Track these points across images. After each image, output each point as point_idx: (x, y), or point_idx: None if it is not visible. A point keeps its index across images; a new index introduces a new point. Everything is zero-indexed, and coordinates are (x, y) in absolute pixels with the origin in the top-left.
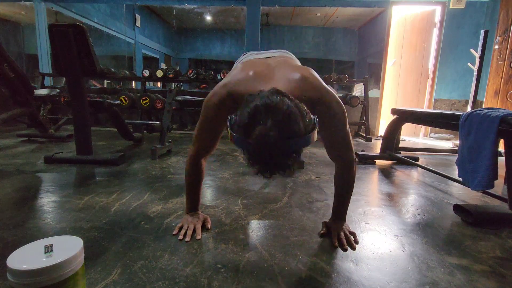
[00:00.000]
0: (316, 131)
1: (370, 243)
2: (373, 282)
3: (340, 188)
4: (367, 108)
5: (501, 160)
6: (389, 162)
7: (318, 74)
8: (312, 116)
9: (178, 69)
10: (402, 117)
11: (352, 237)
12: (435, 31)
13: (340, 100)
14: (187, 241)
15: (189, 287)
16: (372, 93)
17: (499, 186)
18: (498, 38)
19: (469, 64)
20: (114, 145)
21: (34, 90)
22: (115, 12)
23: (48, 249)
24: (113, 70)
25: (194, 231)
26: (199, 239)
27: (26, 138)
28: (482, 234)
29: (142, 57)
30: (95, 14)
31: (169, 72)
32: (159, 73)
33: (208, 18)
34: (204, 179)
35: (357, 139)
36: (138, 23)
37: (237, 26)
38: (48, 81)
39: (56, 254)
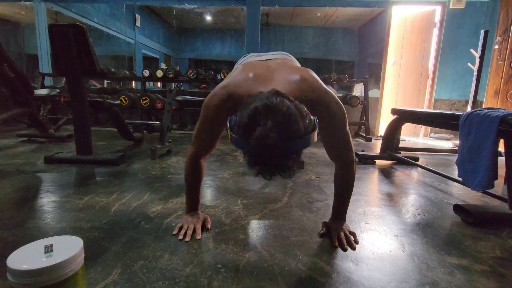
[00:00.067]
0: (316, 132)
1: (370, 243)
2: (373, 282)
3: (340, 188)
4: (367, 108)
5: (501, 160)
6: (389, 162)
7: (318, 74)
8: (312, 117)
9: (178, 69)
10: (402, 117)
11: (352, 237)
12: (435, 31)
13: (340, 101)
14: (187, 241)
15: (189, 287)
16: (372, 93)
17: (499, 186)
18: (498, 38)
19: (469, 64)
20: (114, 145)
21: (34, 90)
22: (115, 12)
23: (48, 249)
24: (113, 70)
25: (194, 231)
26: (199, 239)
27: (26, 138)
28: (482, 234)
29: (142, 57)
30: (95, 14)
31: (169, 72)
32: (159, 73)
33: (208, 18)
34: (204, 179)
35: (357, 139)
36: (138, 23)
37: (237, 26)
38: (48, 81)
39: (56, 254)
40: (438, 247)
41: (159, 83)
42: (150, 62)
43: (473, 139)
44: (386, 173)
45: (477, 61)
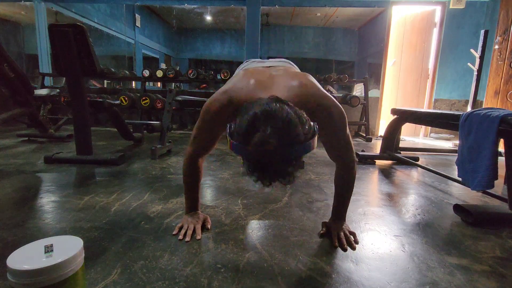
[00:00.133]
0: (316, 138)
1: (370, 243)
2: (373, 282)
3: (340, 188)
4: (367, 108)
5: (501, 160)
6: (389, 162)
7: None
8: (312, 123)
9: (178, 69)
10: (402, 117)
11: (352, 237)
12: (435, 31)
13: (339, 104)
14: (187, 241)
15: (189, 287)
16: (372, 93)
17: (499, 186)
18: (498, 38)
19: (469, 64)
20: (114, 145)
21: (34, 90)
22: (115, 12)
23: (48, 249)
24: (113, 70)
25: (194, 231)
26: (199, 239)
27: (26, 138)
28: (482, 234)
29: (142, 57)
30: (95, 14)
31: (169, 72)
32: (159, 73)
33: (208, 18)
34: (204, 179)
35: (357, 139)
36: (138, 23)
37: (237, 26)
38: (48, 81)
39: (56, 254)
40: (438, 247)
41: (159, 83)
42: (150, 62)
43: (473, 139)
44: (386, 173)
45: (477, 61)
